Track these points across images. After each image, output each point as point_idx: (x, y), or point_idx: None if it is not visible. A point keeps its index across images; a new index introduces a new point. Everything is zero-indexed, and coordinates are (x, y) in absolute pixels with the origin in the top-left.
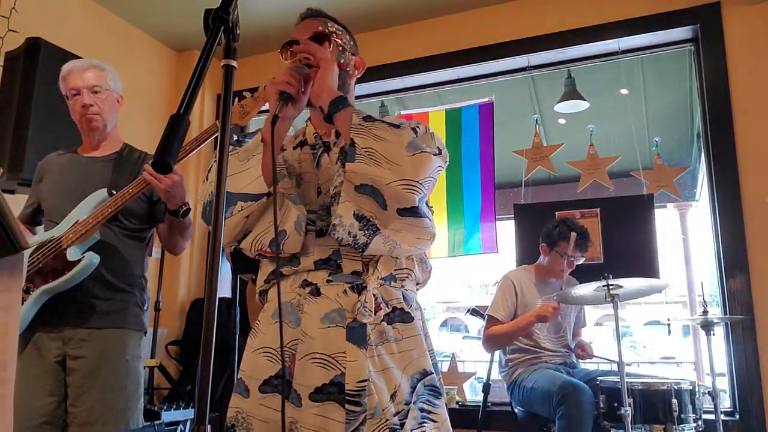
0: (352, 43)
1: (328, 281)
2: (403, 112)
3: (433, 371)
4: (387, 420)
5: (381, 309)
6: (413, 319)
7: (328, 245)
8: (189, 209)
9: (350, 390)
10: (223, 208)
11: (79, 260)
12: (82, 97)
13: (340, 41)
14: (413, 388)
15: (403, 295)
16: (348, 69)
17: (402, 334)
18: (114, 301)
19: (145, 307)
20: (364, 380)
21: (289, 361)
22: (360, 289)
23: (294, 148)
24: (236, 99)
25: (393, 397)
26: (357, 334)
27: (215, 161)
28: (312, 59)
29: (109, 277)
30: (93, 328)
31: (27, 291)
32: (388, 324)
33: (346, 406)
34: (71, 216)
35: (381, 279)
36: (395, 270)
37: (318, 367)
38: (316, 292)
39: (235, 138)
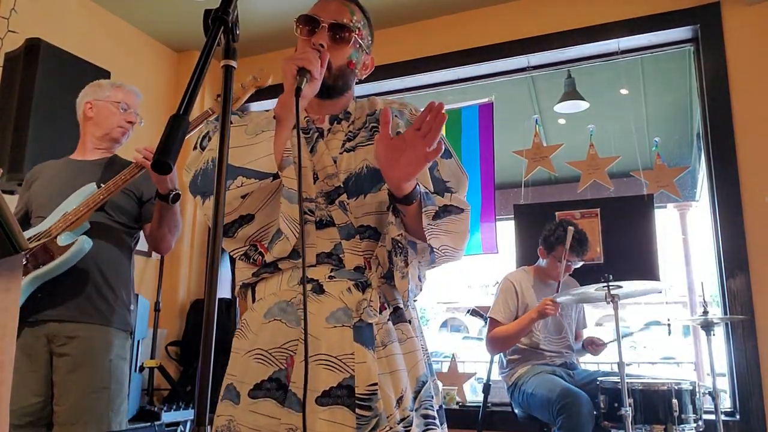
0: (369, 39)
1: (330, 277)
2: None
3: (430, 375)
4: (392, 428)
5: (385, 309)
6: (411, 320)
7: (329, 238)
8: (179, 194)
9: (360, 394)
10: (223, 210)
11: (71, 244)
12: (130, 116)
13: (359, 38)
14: (417, 393)
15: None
16: (356, 69)
17: (405, 335)
18: (100, 298)
19: (131, 307)
20: (375, 383)
21: (286, 363)
22: (364, 286)
23: None
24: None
25: (399, 402)
26: (365, 335)
27: (215, 132)
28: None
29: (96, 273)
30: (77, 321)
31: None
32: (393, 324)
33: (357, 410)
34: (59, 209)
35: (382, 277)
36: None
37: (324, 370)
38: (319, 289)
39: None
